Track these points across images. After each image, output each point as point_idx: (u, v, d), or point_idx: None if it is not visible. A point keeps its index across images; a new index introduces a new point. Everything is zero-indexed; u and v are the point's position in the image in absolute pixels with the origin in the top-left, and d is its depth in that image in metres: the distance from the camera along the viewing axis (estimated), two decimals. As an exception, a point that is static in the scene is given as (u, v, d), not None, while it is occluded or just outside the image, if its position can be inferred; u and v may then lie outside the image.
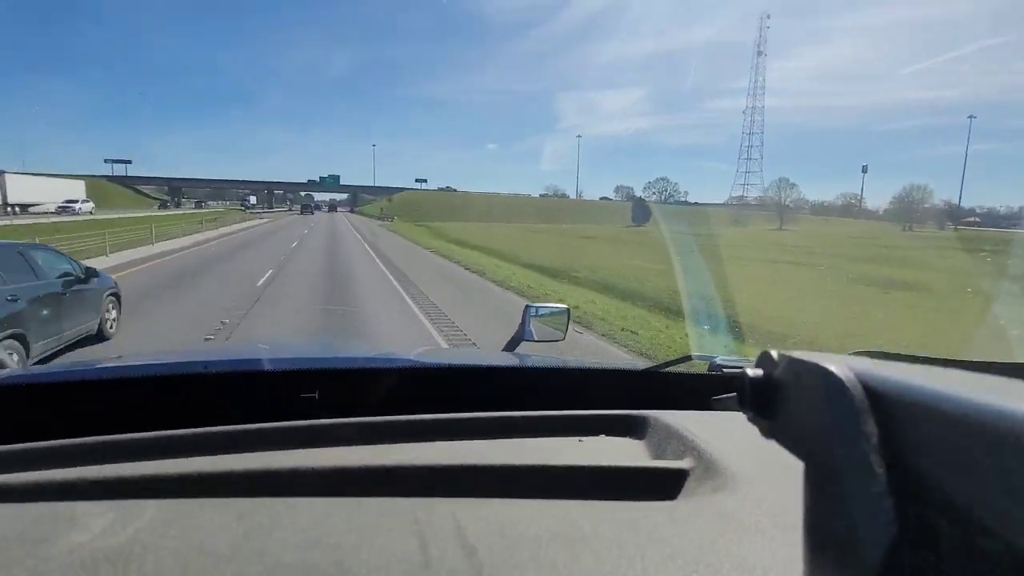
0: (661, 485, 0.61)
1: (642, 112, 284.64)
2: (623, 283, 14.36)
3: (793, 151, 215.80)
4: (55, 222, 30.04)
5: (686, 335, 8.29)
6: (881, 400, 0.26)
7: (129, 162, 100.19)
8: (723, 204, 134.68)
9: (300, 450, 0.71)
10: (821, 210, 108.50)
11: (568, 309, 1.87)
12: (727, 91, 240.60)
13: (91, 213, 43.79)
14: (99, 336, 6.25)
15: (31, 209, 42.45)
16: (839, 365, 0.28)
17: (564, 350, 2.92)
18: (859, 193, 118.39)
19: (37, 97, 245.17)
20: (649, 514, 0.52)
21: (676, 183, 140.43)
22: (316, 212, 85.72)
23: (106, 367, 1.20)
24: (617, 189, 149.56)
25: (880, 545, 0.24)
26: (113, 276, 7.24)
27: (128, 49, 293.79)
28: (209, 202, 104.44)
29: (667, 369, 1.21)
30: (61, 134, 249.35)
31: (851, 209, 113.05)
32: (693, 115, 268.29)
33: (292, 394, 1.02)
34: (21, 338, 4.69)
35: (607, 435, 0.80)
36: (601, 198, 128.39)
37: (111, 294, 6.59)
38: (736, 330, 8.37)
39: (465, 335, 7.39)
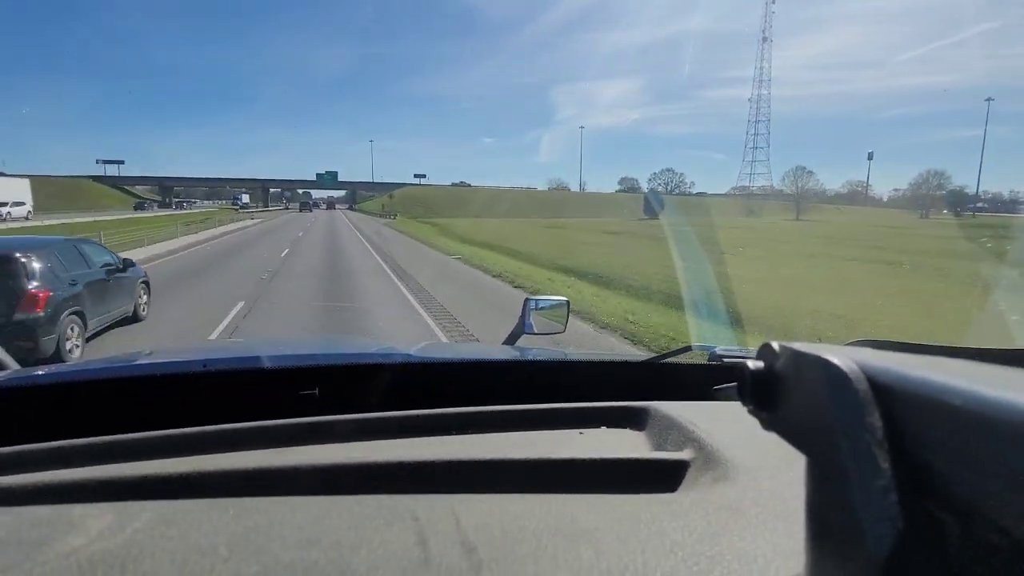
0: (662, 476, 0.61)
1: (641, 103, 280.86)
2: (726, 301, 11.03)
3: (794, 139, 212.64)
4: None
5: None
6: (885, 392, 0.26)
7: (122, 162, 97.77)
8: (728, 194, 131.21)
9: (299, 447, 0.70)
10: (826, 199, 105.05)
11: (568, 301, 1.83)
12: (727, 80, 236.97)
13: (26, 218, 38.33)
14: (135, 318, 7.30)
15: None
16: (841, 357, 0.28)
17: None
18: (865, 180, 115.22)
19: (29, 97, 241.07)
20: (650, 506, 0.52)
21: (682, 174, 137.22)
22: (314, 210, 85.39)
23: (104, 367, 1.17)
24: (622, 181, 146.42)
25: (884, 539, 0.24)
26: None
27: (122, 48, 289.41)
28: (196, 201, 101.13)
29: (667, 360, 1.21)
30: (54, 134, 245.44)
31: (857, 197, 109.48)
32: (692, 105, 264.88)
33: (292, 391, 1.02)
34: (81, 315, 5.88)
35: (607, 427, 0.80)
36: (619, 190, 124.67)
37: (143, 282, 7.68)
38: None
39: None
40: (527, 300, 1.78)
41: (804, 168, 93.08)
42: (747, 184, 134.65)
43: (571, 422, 0.80)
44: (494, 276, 13.30)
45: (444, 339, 7.12)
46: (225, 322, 7.63)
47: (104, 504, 0.50)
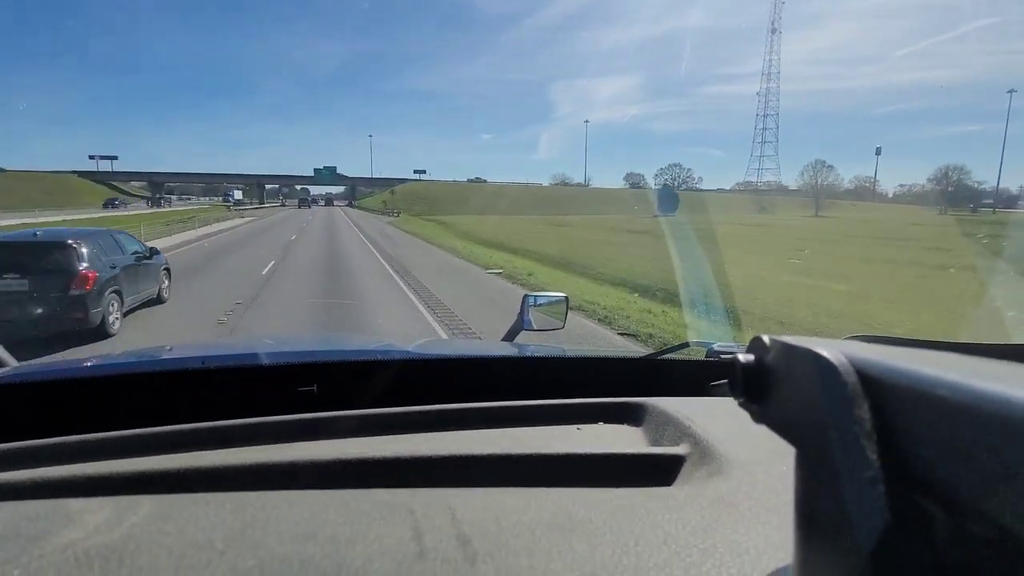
0: (658, 471, 0.62)
1: (640, 99, 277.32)
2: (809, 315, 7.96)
3: (792, 135, 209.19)
4: None
5: None
6: (874, 385, 0.26)
7: (115, 158, 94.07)
8: (734, 190, 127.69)
9: (297, 443, 0.71)
10: (835, 194, 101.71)
11: (567, 297, 1.83)
12: (725, 77, 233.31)
13: None
14: (158, 299, 8.36)
15: None
16: (831, 350, 0.28)
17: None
18: (873, 176, 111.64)
19: (22, 91, 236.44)
20: (644, 500, 0.52)
21: (690, 169, 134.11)
22: (312, 206, 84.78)
23: (102, 364, 1.17)
24: (627, 176, 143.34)
25: (872, 530, 0.24)
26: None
27: (117, 43, 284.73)
28: (191, 198, 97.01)
29: (664, 356, 1.22)
30: (48, 130, 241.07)
31: (864, 193, 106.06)
32: (691, 102, 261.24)
33: (290, 388, 1.02)
34: (119, 293, 6.87)
35: (604, 423, 0.80)
36: (627, 186, 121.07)
37: (165, 268, 8.73)
38: None
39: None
40: (526, 296, 1.77)
41: (823, 162, 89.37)
42: (753, 180, 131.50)
43: (569, 418, 0.81)
44: (572, 309, 9.27)
45: None
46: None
47: (101, 499, 0.50)
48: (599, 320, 8.08)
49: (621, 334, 7.29)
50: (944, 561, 0.25)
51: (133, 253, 7.68)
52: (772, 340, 0.31)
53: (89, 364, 1.17)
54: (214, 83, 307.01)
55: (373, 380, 1.04)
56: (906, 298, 12.13)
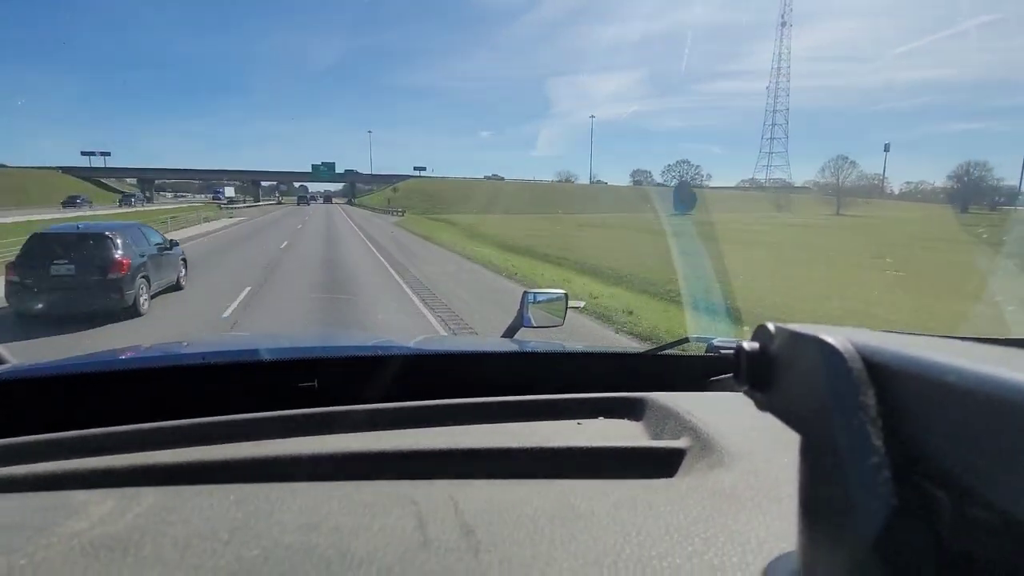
0: (659, 464, 0.62)
1: (640, 96, 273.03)
2: None
3: (796, 132, 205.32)
4: None
5: None
6: (879, 371, 0.26)
7: (108, 154, 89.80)
8: (738, 187, 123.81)
9: (298, 438, 0.71)
10: (851, 192, 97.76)
11: (566, 294, 1.82)
12: (731, 73, 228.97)
13: None
14: (177, 286, 9.44)
15: None
16: (837, 337, 0.28)
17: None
18: (881, 173, 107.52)
19: (16, 86, 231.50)
20: (646, 492, 0.52)
21: (698, 166, 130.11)
22: (312, 203, 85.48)
23: (103, 361, 1.18)
24: (633, 173, 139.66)
25: (876, 515, 0.24)
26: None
27: (112, 38, 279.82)
28: (186, 195, 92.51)
29: (665, 351, 1.22)
30: (42, 127, 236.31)
31: (873, 191, 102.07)
32: (692, 99, 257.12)
33: (291, 383, 1.02)
34: (147, 279, 7.93)
35: (605, 417, 0.81)
36: (636, 182, 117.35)
37: (182, 259, 9.86)
38: None
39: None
40: (525, 294, 1.76)
41: (845, 158, 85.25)
42: (761, 177, 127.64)
43: (569, 413, 0.81)
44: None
45: None
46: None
47: (105, 491, 0.50)
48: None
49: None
50: (948, 546, 0.25)
51: (156, 244, 8.74)
52: (777, 328, 0.31)
53: (90, 361, 1.14)
54: (211, 79, 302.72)
55: (374, 376, 1.03)
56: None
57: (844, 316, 8.82)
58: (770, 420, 0.31)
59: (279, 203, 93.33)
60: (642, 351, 1.25)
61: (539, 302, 1.76)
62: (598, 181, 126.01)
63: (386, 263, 14.25)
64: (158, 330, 7.05)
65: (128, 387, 1.02)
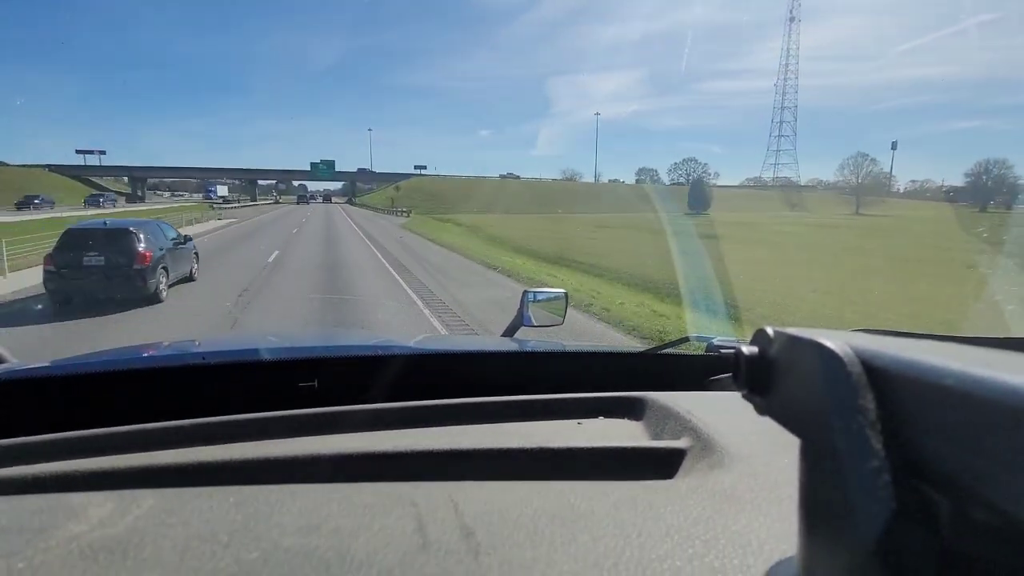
0: (659, 465, 0.62)
1: (644, 95, 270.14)
2: None
3: (799, 130, 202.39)
4: None
5: None
6: (879, 375, 0.26)
7: (103, 152, 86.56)
8: (743, 186, 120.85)
9: (299, 438, 0.71)
10: (850, 189, 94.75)
11: (566, 293, 1.81)
12: (731, 72, 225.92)
13: None
14: (190, 278, 10.21)
15: None
16: (836, 341, 0.28)
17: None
18: (889, 171, 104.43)
19: (12, 86, 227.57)
20: (646, 492, 0.52)
21: (705, 164, 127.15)
22: (311, 202, 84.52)
23: (102, 361, 1.16)
24: (639, 172, 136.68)
25: (876, 519, 0.24)
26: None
27: (109, 36, 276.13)
28: (184, 195, 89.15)
29: (665, 351, 1.22)
30: (37, 126, 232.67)
31: (880, 189, 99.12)
32: (696, 97, 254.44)
33: (291, 383, 1.02)
34: (166, 269, 8.71)
35: (606, 417, 0.81)
36: (676, 185, 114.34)
37: (195, 252, 10.65)
38: None
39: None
40: (525, 293, 1.74)
41: (866, 155, 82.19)
42: (769, 175, 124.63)
43: (570, 412, 0.81)
44: None
45: None
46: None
47: (105, 493, 0.50)
48: None
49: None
50: (948, 548, 0.25)
51: (172, 239, 9.42)
52: (776, 332, 0.31)
53: (89, 362, 1.13)
54: (210, 78, 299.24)
55: (374, 375, 1.03)
56: None
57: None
58: (770, 421, 0.32)
59: (277, 202, 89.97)
60: (642, 350, 1.25)
61: (539, 301, 1.74)
62: (614, 180, 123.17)
63: (405, 285, 10.77)
64: (176, 315, 7.70)
65: (127, 387, 1.02)
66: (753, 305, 9.16)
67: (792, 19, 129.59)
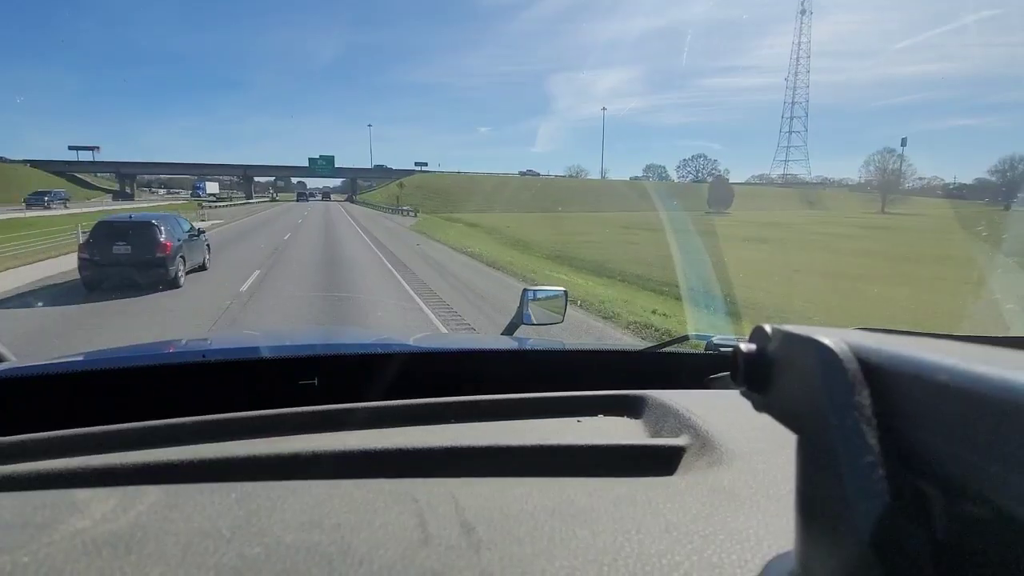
0: (658, 462, 0.62)
1: (644, 91, 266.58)
2: None
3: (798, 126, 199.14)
4: None
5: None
6: (875, 372, 0.27)
7: (96, 148, 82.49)
8: (748, 183, 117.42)
9: (300, 435, 0.71)
10: (857, 187, 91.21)
11: (566, 292, 1.79)
12: (732, 69, 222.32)
13: None
14: (203, 267, 11.29)
15: None
16: (833, 338, 0.28)
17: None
18: (899, 169, 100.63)
19: (10, 84, 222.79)
20: (646, 489, 0.53)
21: (716, 160, 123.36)
22: (310, 200, 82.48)
23: (103, 359, 1.18)
24: (647, 168, 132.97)
25: (872, 514, 0.25)
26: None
27: (102, 33, 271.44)
28: (179, 191, 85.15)
29: (664, 349, 1.22)
30: (29, 121, 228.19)
31: (891, 187, 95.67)
32: (697, 94, 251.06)
33: (291, 381, 1.03)
34: (184, 259, 9.92)
35: (605, 415, 0.81)
36: (697, 182, 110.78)
37: (207, 244, 11.82)
38: None
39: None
40: (525, 291, 1.72)
41: (893, 151, 78.45)
42: (778, 171, 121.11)
43: (569, 410, 0.81)
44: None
45: None
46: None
47: (107, 489, 0.50)
48: None
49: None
50: (943, 542, 0.25)
51: (187, 231, 10.65)
52: (774, 329, 0.32)
53: (90, 359, 1.15)
54: (206, 75, 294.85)
55: (373, 373, 1.03)
56: None
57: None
58: (769, 418, 0.32)
59: (273, 200, 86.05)
60: (642, 349, 1.25)
61: (539, 299, 1.73)
62: (634, 178, 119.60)
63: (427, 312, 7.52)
64: (193, 298, 8.82)
65: (129, 385, 1.02)
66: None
67: (803, 12, 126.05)
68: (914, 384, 0.25)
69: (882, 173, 76.61)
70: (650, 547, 0.42)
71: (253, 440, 0.69)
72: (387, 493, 0.50)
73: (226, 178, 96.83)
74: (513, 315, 1.73)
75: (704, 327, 7.96)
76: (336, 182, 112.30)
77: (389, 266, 13.45)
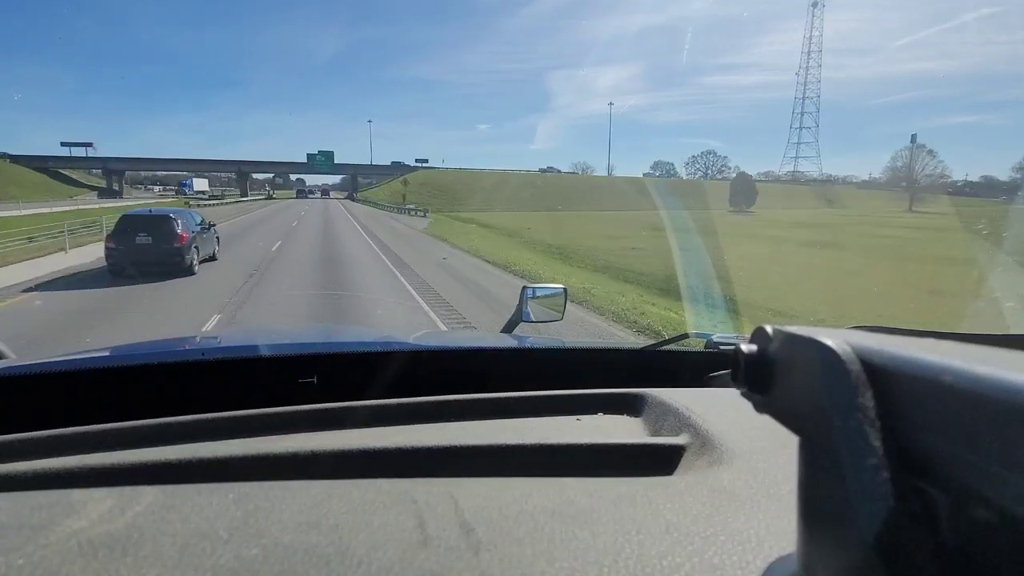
0: (658, 461, 0.62)
1: (645, 88, 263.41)
2: None
3: (785, 124, 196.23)
4: None
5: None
6: (878, 373, 0.26)
7: (90, 144, 78.68)
8: (756, 180, 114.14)
9: (298, 434, 0.71)
10: (863, 185, 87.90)
11: (565, 289, 1.77)
12: (732, 66, 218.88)
13: None
14: (213, 258, 12.76)
15: None
16: (835, 339, 0.28)
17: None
18: (909, 166, 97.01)
19: (6, 80, 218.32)
20: (646, 489, 0.52)
21: (726, 157, 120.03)
22: (310, 197, 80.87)
23: (102, 357, 1.17)
24: (655, 165, 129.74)
25: (875, 517, 0.24)
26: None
27: (98, 29, 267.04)
28: (157, 188, 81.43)
29: (664, 347, 1.22)
30: (24, 117, 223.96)
31: (899, 184, 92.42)
32: (697, 91, 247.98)
33: (290, 379, 1.02)
34: (197, 249, 11.30)
35: (605, 413, 0.81)
36: (721, 180, 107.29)
37: (216, 236, 13.29)
38: None
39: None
40: (524, 288, 1.71)
41: (923, 146, 74.83)
42: (788, 168, 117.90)
43: (568, 408, 0.81)
44: None
45: None
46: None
47: (104, 489, 0.50)
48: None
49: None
50: (947, 545, 0.25)
51: (199, 224, 11.90)
52: (775, 330, 0.31)
53: (89, 357, 1.13)
54: (205, 72, 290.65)
55: (373, 371, 1.02)
56: None
57: None
58: (769, 418, 0.32)
59: (269, 197, 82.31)
60: (642, 347, 1.25)
61: (538, 297, 1.73)
62: (648, 173, 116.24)
63: None
64: (206, 284, 9.97)
65: (127, 383, 1.02)
66: None
67: (815, 4, 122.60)
68: (917, 385, 0.25)
69: (909, 170, 72.85)
70: (650, 548, 0.42)
71: (251, 439, 0.68)
72: (386, 493, 0.50)
73: (223, 175, 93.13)
74: (512, 313, 1.73)
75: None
76: (336, 179, 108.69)
77: (408, 287, 10.06)
